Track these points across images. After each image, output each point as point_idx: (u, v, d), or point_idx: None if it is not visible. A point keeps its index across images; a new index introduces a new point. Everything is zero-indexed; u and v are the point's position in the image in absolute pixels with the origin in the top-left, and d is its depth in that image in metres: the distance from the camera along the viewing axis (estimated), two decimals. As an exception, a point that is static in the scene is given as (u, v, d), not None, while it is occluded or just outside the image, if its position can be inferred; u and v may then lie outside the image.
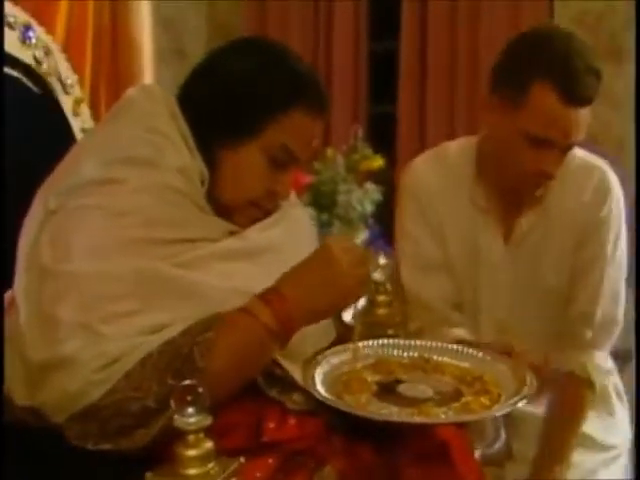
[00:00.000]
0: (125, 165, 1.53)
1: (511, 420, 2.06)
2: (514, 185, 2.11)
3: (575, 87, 1.94)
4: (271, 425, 1.49)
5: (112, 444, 1.36)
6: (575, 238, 2.13)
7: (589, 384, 2.19)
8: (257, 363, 1.49)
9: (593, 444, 2.28)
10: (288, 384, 1.56)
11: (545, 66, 1.97)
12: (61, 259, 1.42)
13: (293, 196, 1.81)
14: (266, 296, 1.47)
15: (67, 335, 1.36)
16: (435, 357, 1.72)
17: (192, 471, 1.21)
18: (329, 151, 3.78)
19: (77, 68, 2.32)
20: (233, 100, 1.58)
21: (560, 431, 2.20)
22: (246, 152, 1.60)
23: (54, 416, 1.38)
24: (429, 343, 1.76)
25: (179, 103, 1.63)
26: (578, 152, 2.17)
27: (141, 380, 1.36)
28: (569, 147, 2.01)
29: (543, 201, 2.13)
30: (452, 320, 2.18)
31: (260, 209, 1.66)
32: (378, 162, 3.77)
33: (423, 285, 2.20)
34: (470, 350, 1.73)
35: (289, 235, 1.71)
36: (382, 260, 1.84)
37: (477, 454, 1.74)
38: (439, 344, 1.75)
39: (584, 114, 1.97)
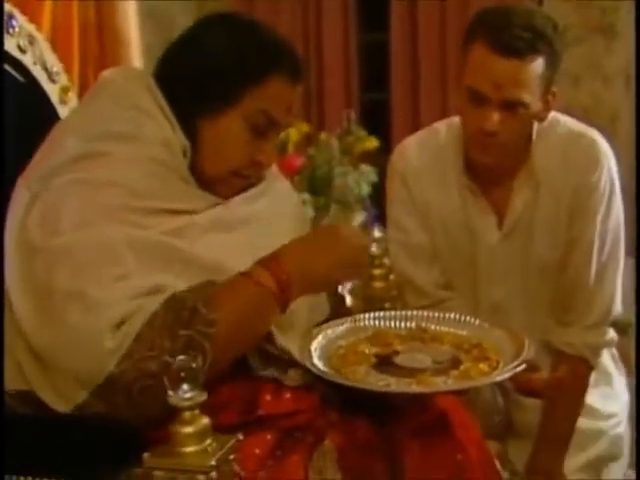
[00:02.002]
0: (107, 140, 1.53)
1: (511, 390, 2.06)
2: (468, 153, 2.11)
3: (503, 37, 1.94)
4: (267, 398, 1.48)
5: (142, 412, 1.35)
6: (567, 207, 2.11)
7: (585, 362, 2.18)
8: (258, 323, 1.49)
9: (592, 413, 2.26)
10: (284, 362, 1.55)
11: (483, 25, 2.00)
12: (49, 235, 1.42)
13: (276, 170, 1.81)
14: (265, 261, 1.48)
15: (64, 305, 1.36)
16: (433, 326, 1.71)
17: (189, 449, 1.21)
18: (323, 135, 3.76)
19: (65, 61, 2.31)
20: (210, 71, 1.59)
21: (560, 410, 2.19)
22: (226, 121, 1.60)
23: (72, 398, 1.37)
24: (426, 313, 1.74)
25: (157, 80, 1.63)
26: (566, 122, 2.16)
27: (153, 339, 1.35)
28: (507, 103, 1.97)
29: (533, 175, 2.11)
30: (447, 303, 2.17)
31: (243, 179, 1.66)
32: (373, 143, 3.75)
33: (415, 272, 2.20)
34: (468, 318, 1.71)
35: (274, 206, 1.70)
36: (377, 233, 1.83)
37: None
38: (436, 313, 1.74)
39: (519, 67, 1.95)
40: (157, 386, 1.30)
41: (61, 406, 1.38)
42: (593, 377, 2.22)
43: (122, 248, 1.42)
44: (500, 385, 1.65)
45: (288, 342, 1.56)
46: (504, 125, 1.98)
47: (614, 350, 2.31)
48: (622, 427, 2.33)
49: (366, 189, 3.54)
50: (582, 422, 2.22)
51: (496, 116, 1.96)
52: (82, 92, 2.67)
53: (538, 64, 1.96)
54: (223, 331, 1.39)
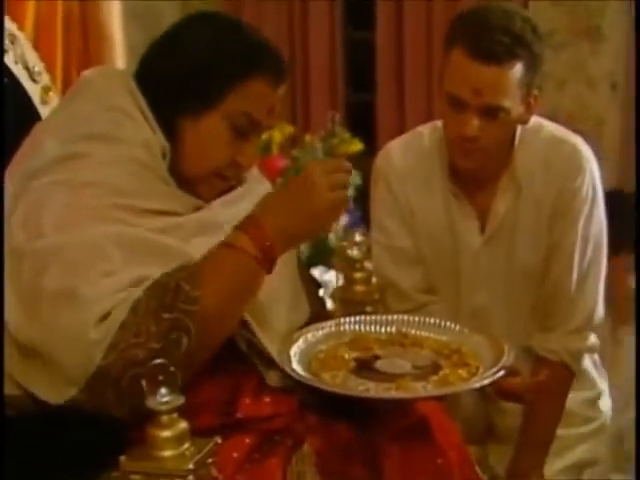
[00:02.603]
0: (88, 140, 1.53)
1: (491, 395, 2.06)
2: (450, 157, 2.11)
3: (481, 42, 1.93)
4: (247, 401, 1.48)
5: (132, 404, 1.32)
6: (549, 213, 2.10)
7: (567, 367, 2.17)
8: (245, 291, 1.48)
9: (574, 418, 2.26)
10: (266, 360, 1.55)
11: (462, 29, 1.99)
12: (34, 237, 1.41)
13: (257, 172, 1.80)
14: (243, 225, 1.48)
15: (54, 306, 1.36)
16: (413, 331, 1.71)
17: (167, 452, 1.21)
18: (307, 137, 3.76)
19: (48, 59, 2.29)
20: (192, 71, 1.58)
21: (540, 415, 2.18)
22: (207, 122, 1.59)
23: (62, 393, 1.36)
24: (407, 317, 1.74)
25: (138, 79, 1.63)
26: (549, 127, 2.16)
27: (137, 325, 1.35)
28: (487, 109, 1.95)
29: (515, 179, 2.11)
30: (429, 307, 2.16)
31: (224, 180, 1.65)
32: (357, 146, 3.75)
33: (398, 275, 2.19)
34: (448, 323, 1.72)
35: None
36: (358, 237, 1.83)
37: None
38: (417, 318, 1.74)
39: (498, 73, 1.93)
40: (145, 373, 1.27)
41: (52, 399, 1.37)
42: (574, 382, 2.22)
43: (108, 245, 1.42)
44: (480, 389, 1.64)
45: (268, 343, 1.56)
46: (484, 130, 1.97)
47: (595, 355, 2.31)
48: (603, 432, 2.33)
49: (350, 192, 3.52)
50: (562, 427, 2.22)
51: (476, 121, 1.96)
52: (65, 90, 2.67)
53: (517, 69, 1.94)
54: (210, 305, 1.38)
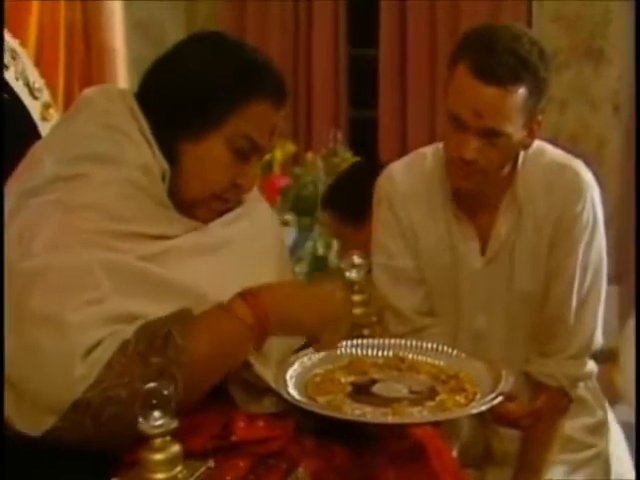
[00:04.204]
0: (86, 161, 1.52)
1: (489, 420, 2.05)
2: (449, 180, 2.10)
3: (485, 63, 1.91)
4: (241, 424, 1.47)
5: (111, 438, 1.33)
6: (549, 238, 2.09)
7: (564, 393, 2.16)
8: (232, 356, 1.48)
9: (571, 444, 2.26)
10: (258, 389, 1.54)
11: (467, 48, 1.97)
12: (25, 255, 1.41)
13: (256, 191, 1.79)
14: (246, 295, 1.48)
15: (37, 329, 1.34)
16: (410, 356, 1.70)
17: (159, 475, 1.20)
18: (309, 155, 3.77)
19: (50, 74, 2.30)
20: (193, 93, 1.57)
21: (538, 440, 2.18)
22: (208, 144, 1.58)
23: (40, 423, 1.34)
24: (404, 342, 1.74)
25: (138, 100, 1.62)
26: (551, 152, 2.14)
27: (123, 366, 1.34)
28: (487, 131, 1.94)
29: (516, 203, 2.10)
30: (428, 329, 2.15)
31: (223, 202, 1.65)
32: (358, 164, 3.76)
33: (398, 296, 2.18)
34: (446, 348, 1.71)
35: (253, 230, 1.69)
36: (357, 260, 1.82)
37: (455, 453, 1.72)
38: (414, 342, 1.73)
39: (500, 96, 1.91)
40: (126, 412, 1.28)
41: (31, 431, 1.35)
42: (573, 408, 2.21)
43: (97, 272, 1.41)
44: (478, 414, 1.63)
45: (263, 368, 1.54)
46: (483, 153, 1.96)
47: (595, 382, 2.29)
48: (601, 459, 2.31)
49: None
50: (560, 452, 2.21)
51: (474, 144, 1.94)
52: (67, 106, 2.67)
53: (521, 93, 1.92)
54: (196, 360, 1.37)
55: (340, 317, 1.60)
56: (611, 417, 2.41)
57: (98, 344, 1.34)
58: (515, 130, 1.96)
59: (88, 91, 1.68)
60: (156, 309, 1.43)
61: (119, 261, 1.45)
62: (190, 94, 1.57)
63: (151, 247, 1.51)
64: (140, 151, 1.56)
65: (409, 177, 2.20)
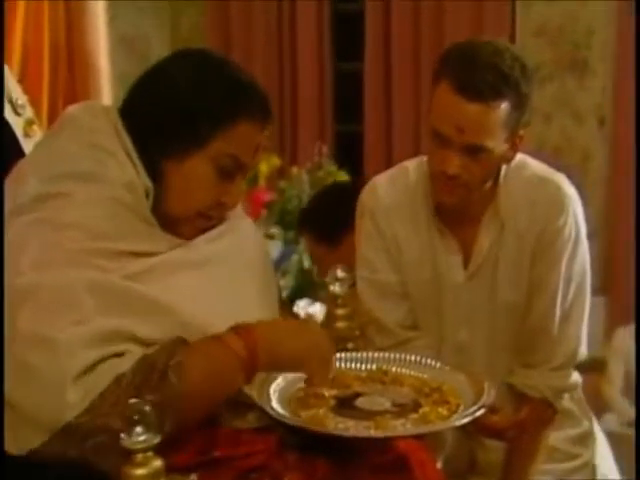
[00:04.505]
0: (70, 180, 1.53)
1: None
2: (433, 194, 2.11)
3: (467, 79, 1.91)
4: (224, 439, 1.47)
5: (93, 466, 1.33)
6: (531, 251, 2.09)
7: (548, 405, 2.16)
8: (224, 389, 1.48)
9: (557, 454, 2.26)
10: (242, 404, 1.55)
11: (449, 65, 1.97)
12: (13, 274, 1.41)
13: (239, 208, 1.80)
14: (237, 328, 1.49)
15: (25, 347, 1.35)
16: (394, 369, 1.71)
17: (142, 490, 1.20)
18: (294, 169, 3.78)
19: (34, 91, 2.30)
20: (177, 113, 1.57)
21: (522, 451, 2.18)
22: (193, 163, 1.58)
23: (24, 443, 1.34)
24: (387, 355, 1.75)
25: (122, 116, 1.62)
26: (533, 166, 2.15)
27: (118, 396, 1.34)
28: (469, 147, 1.94)
29: (498, 216, 2.11)
30: (412, 342, 2.15)
31: (207, 220, 1.65)
32: (343, 178, 3.77)
33: (382, 310, 2.18)
34: (429, 360, 1.72)
35: (236, 246, 1.69)
36: (340, 273, 1.83)
37: (438, 465, 1.73)
38: (397, 355, 1.74)
39: (482, 112, 1.92)
40: (113, 441, 1.27)
41: (14, 449, 1.36)
42: (558, 419, 2.21)
43: (82, 292, 1.41)
44: (462, 426, 1.64)
45: (248, 386, 1.55)
46: (466, 168, 1.96)
47: (580, 393, 2.30)
48: (587, 469, 2.32)
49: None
50: (546, 462, 2.21)
51: (458, 159, 1.95)
52: (51, 122, 2.67)
53: (503, 108, 1.93)
54: (189, 396, 1.39)
55: (329, 351, 1.60)
56: (597, 428, 2.42)
57: (90, 369, 1.35)
58: (497, 145, 1.97)
59: (72, 108, 1.67)
60: (141, 328, 1.44)
61: (103, 281, 1.45)
62: (175, 113, 1.57)
63: (136, 265, 1.51)
64: (124, 169, 1.56)
65: (392, 190, 2.20)
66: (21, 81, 2.17)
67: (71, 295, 1.40)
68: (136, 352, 1.41)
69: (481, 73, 1.91)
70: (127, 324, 1.43)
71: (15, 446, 1.36)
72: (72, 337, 1.36)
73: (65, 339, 1.35)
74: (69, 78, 3.11)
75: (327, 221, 2.66)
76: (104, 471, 1.32)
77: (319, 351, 1.57)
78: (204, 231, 1.66)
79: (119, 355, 1.40)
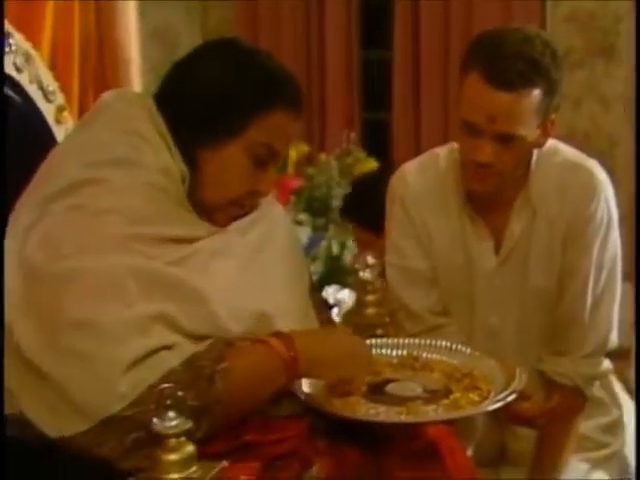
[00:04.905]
0: (107, 166, 1.53)
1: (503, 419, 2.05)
2: (465, 182, 2.10)
3: (496, 68, 1.89)
4: (255, 425, 1.48)
5: (129, 461, 1.34)
6: (562, 237, 2.08)
7: (579, 392, 2.14)
8: (265, 393, 1.49)
9: (587, 443, 2.24)
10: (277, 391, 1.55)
11: (478, 54, 1.96)
12: (54, 258, 1.42)
13: (270, 195, 1.80)
14: (279, 335, 1.51)
15: (72, 333, 1.36)
16: (424, 355, 1.71)
17: (173, 475, 1.21)
18: (322, 156, 3.77)
19: (64, 77, 2.30)
20: (212, 102, 1.57)
21: (553, 440, 2.17)
22: (228, 152, 1.59)
23: (64, 428, 1.35)
24: (417, 341, 1.75)
25: (158, 103, 1.62)
26: (565, 151, 2.13)
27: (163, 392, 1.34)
28: (501, 136, 1.93)
29: (530, 202, 2.10)
30: (443, 328, 2.14)
31: (241, 208, 1.65)
32: (371, 165, 3.76)
33: (411, 297, 2.17)
34: (459, 346, 1.72)
35: (268, 234, 1.70)
36: (370, 260, 1.83)
37: (469, 452, 1.72)
38: (428, 341, 1.74)
39: (513, 101, 1.90)
40: (149, 443, 1.28)
41: (54, 431, 1.36)
42: (588, 407, 2.20)
43: (126, 278, 1.42)
44: (492, 413, 1.64)
45: None
46: (498, 157, 1.95)
47: (612, 379, 2.29)
48: (617, 458, 2.30)
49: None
50: (576, 451, 2.20)
51: (490, 148, 1.94)
52: (81, 110, 2.69)
53: (534, 96, 1.91)
54: (231, 403, 1.41)
55: (359, 360, 1.61)
56: (627, 418, 2.40)
57: (140, 360, 1.36)
58: (529, 132, 1.95)
59: (106, 95, 1.67)
60: (182, 316, 1.45)
61: (146, 267, 1.46)
62: (210, 104, 1.57)
63: (174, 252, 1.52)
64: (159, 155, 1.56)
65: (422, 177, 2.19)
66: (51, 68, 2.17)
67: (115, 280, 1.41)
68: (185, 346, 1.43)
69: (511, 61, 1.89)
70: (170, 310, 1.43)
71: (54, 429, 1.36)
72: (118, 323, 1.37)
73: (111, 325, 1.36)
74: (99, 67, 3.12)
75: (371, 208, 2.65)
76: (128, 471, 1.33)
77: (357, 358, 1.59)
78: (236, 218, 1.66)
79: (168, 347, 1.41)
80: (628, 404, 2.34)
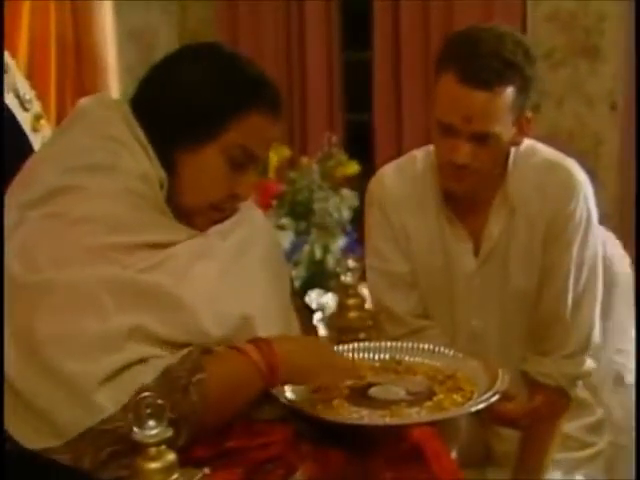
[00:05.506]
0: (85, 172, 1.52)
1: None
2: (440, 183, 2.10)
3: (470, 68, 1.90)
4: (237, 430, 1.47)
5: (108, 472, 1.33)
6: (542, 237, 2.08)
7: (563, 392, 2.14)
8: (243, 401, 1.49)
9: (571, 442, 2.25)
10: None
11: (451, 54, 1.97)
12: (29, 270, 1.41)
13: (249, 199, 1.79)
14: (257, 342, 1.50)
15: (46, 348, 1.34)
16: (407, 358, 1.71)
17: (155, 484, 1.20)
18: (304, 160, 3.76)
19: (41, 85, 2.29)
20: (190, 105, 1.57)
21: (537, 440, 2.17)
22: (206, 155, 1.58)
23: (41, 441, 1.34)
24: (400, 344, 1.75)
25: (135, 107, 1.61)
26: (543, 151, 2.14)
27: None
28: (477, 135, 1.94)
29: (508, 202, 2.10)
30: (425, 331, 2.15)
31: (220, 212, 1.65)
32: (353, 168, 3.75)
33: (392, 300, 2.17)
34: (442, 349, 1.72)
35: (249, 237, 1.69)
36: (351, 263, 1.83)
37: (453, 454, 1.72)
38: (410, 344, 1.74)
39: (488, 99, 1.91)
40: (125, 454, 1.29)
41: (29, 444, 1.35)
42: (572, 408, 2.20)
43: (100, 290, 1.41)
44: (476, 414, 1.63)
45: None
46: (475, 156, 1.95)
47: (595, 381, 2.28)
48: (601, 457, 2.31)
49: (347, 214, 3.53)
50: (560, 451, 2.20)
51: (466, 148, 1.94)
52: (59, 116, 2.68)
53: (508, 93, 1.92)
54: (208, 412, 1.40)
55: (343, 366, 1.64)
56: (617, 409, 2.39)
57: (115, 374, 1.35)
58: (505, 130, 1.96)
59: (83, 101, 1.66)
60: (159, 325, 1.44)
61: (121, 277, 1.45)
62: (187, 107, 1.57)
63: (152, 257, 1.51)
64: (137, 160, 1.56)
65: (400, 180, 2.19)
66: (28, 77, 2.16)
67: (89, 294, 1.40)
68: (159, 360, 1.41)
69: (484, 61, 1.90)
70: (145, 321, 1.42)
71: (29, 441, 1.35)
72: (93, 338, 1.36)
73: (85, 340, 1.35)
74: (76, 72, 3.10)
75: None
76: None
77: (334, 367, 1.60)
78: (216, 223, 1.65)
79: (144, 360, 1.40)
80: (613, 400, 2.35)
